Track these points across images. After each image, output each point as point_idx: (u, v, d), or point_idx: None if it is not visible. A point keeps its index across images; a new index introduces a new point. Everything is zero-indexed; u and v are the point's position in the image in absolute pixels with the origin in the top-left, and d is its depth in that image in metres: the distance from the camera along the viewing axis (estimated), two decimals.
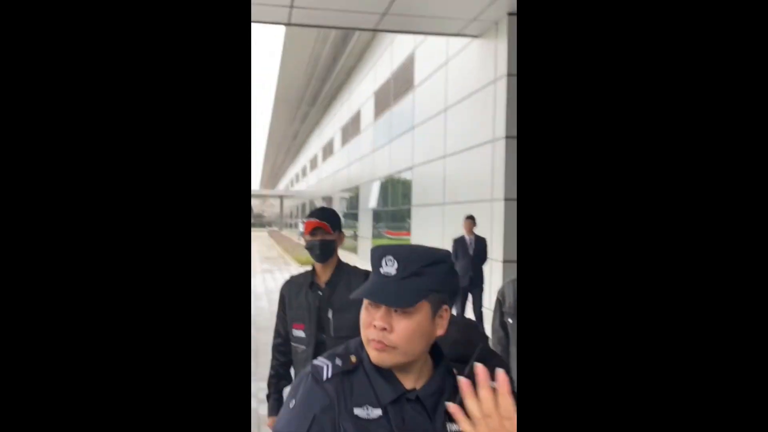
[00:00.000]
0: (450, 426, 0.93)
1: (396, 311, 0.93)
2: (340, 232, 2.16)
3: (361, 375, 0.97)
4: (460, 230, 7.19)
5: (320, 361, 0.99)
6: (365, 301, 0.97)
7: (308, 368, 0.99)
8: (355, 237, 17.95)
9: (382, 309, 0.94)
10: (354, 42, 15.91)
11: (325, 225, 2.09)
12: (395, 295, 0.93)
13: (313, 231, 2.09)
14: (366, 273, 2.07)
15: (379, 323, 0.93)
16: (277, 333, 2.29)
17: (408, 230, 12.30)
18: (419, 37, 11.22)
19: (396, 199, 13.61)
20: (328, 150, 25.00)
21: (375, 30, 7.56)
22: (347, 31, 15.21)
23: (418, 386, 0.97)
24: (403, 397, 0.96)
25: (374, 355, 0.95)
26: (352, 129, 19.06)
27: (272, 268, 16.62)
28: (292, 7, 6.38)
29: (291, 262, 18.36)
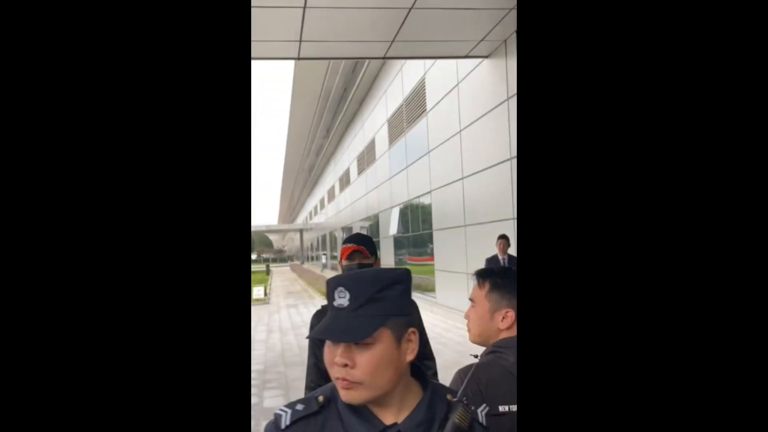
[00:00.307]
0: None
1: (356, 344, 0.87)
2: (377, 257, 2.21)
3: (333, 416, 0.91)
4: (481, 251, 7.10)
5: (280, 409, 0.93)
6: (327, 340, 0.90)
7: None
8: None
9: (342, 344, 0.88)
10: (364, 71, 16.10)
11: (364, 249, 2.15)
12: (348, 329, 0.87)
13: (350, 255, 2.14)
14: None
15: (339, 360, 0.87)
16: (313, 353, 2.31)
17: (431, 255, 12.22)
18: (429, 62, 11.30)
19: (416, 224, 13.57)
20: (344, 180, 25.17)
21: (384, 58, 7.62)
22: (357, 61, 15.41)
23: (400, 419, 0.90)
24: None
25: (343, 393, 0.88)
26: (367, 157, 19.17)
27: (297, 302, 16.61)
28: (300, 41, 6.45)
29: (315, 295, 18.34)
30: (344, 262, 2.16)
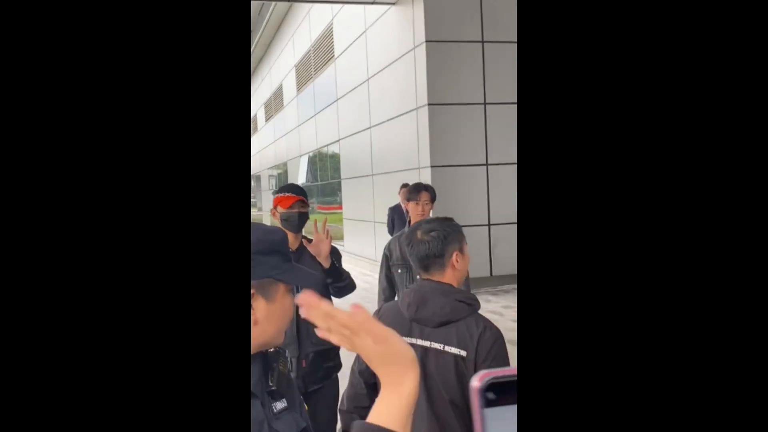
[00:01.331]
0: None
1: None
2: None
3: None
4: (389, 200, 7.22)
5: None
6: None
7: None
8: None
9: None
10: (270, 14, 15.48)
11: (304, 198, 2.39)
12: None
13: (292, 205, 2.34)
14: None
15: None
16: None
17: (339, 204, 12.27)
18: (336, 7, 11.03)
19: (325, 173, 13.52)
20: (252, 127, 24.45)
21: (291, 1, 7.36)
22: (262, 3, 14.77)
23: None
24: None
25: None
26: (275, 104, 18.68)
27: None
28: None
29: None
30: (281, 210, 2.34)
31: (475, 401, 0.49)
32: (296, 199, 2.36)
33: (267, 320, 0.94)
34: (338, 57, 11.45)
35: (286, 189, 2.42)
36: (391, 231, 6.72)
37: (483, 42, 7.66)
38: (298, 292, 0.93)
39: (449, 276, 1.53)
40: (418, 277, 1.66)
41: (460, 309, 1.47)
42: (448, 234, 1.54)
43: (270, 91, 19.16)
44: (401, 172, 8.33)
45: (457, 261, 1.53)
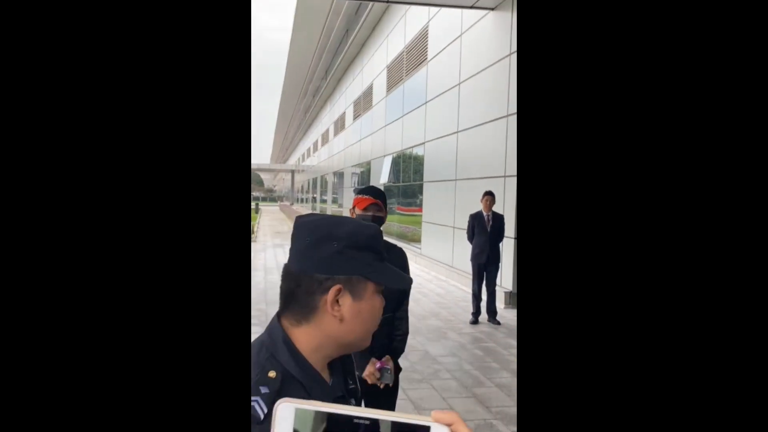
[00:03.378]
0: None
1: None
2: (386, 210, 2.45)
3: (294, 384, 0.87)
4: (470, 206, 7.14)
5: (252, 400, 0.82)
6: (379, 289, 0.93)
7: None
8: None
9: None
10: (367, 14, 15.71)
11: (380, 203, 2.38)
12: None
13: (367, 207, 2.36)
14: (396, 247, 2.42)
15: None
16: None
17: (419, 206, 12.27)
18: (433, 10, 11.04)
19: (408, 174, 13.56)
20: (339, 124, 24.90)
21: (388, 1, 7.44)
22: (360, 3, 15.01)
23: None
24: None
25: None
26: (364, 103, 18.93)
27: (283, 242, 16.70)
28: None
29: None
30: (358, 212, 2.37)
31: None
32: (371, 202, 2.37)
33: (354, 319, 0.89)
34: (431, 59, 11.45)
35: (366, 191, 2.43)
36: (470, 238, 6.64)
37: None
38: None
39: None
40: None
41: None
42: None
43: (360, 90, 19.44)
44: (485, 179, 8.23)
45: None
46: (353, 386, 0.98)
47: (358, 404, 0.97)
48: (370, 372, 2.25)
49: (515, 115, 7.56)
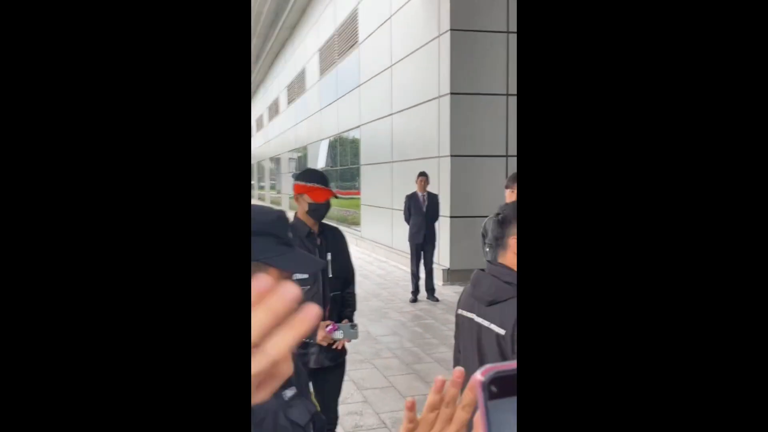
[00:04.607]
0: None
1: None
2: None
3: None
4: (407, 187, 7.24)
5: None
6: None
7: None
8: None
9: None
10: None
11: (334, 194, 2.51)
12: None
13: (327, 200, 2.45)
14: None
15: None
16: None
17: (358, 189, 12.31)
18: None
19: (345, 158, 13.55)
20: (273, 109, 24.50)
21: None
22: None
23: None
24: None
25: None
26: (297, 87, 18.70)
27: None
28: None
29: None
30: (310, 200, 2.43)
31: (479, 394, 0.52)
32: (331, 194, 2.45)
33: None
34: (362, 42, 11.43)
35: (317, 180, 2.46)
36: (407, 218, 6.75)
37: (508, 32, 7.60)
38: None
39: (509, 259, 1.56)
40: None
41: (504, 290, 1.52)
42: (506, 217, 1.58)
43: (293, 74, 19.18)
44: (420, 160, 8.34)
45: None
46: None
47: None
48: (322, 336, 2.30)
49: (447, 96, 7.69)
